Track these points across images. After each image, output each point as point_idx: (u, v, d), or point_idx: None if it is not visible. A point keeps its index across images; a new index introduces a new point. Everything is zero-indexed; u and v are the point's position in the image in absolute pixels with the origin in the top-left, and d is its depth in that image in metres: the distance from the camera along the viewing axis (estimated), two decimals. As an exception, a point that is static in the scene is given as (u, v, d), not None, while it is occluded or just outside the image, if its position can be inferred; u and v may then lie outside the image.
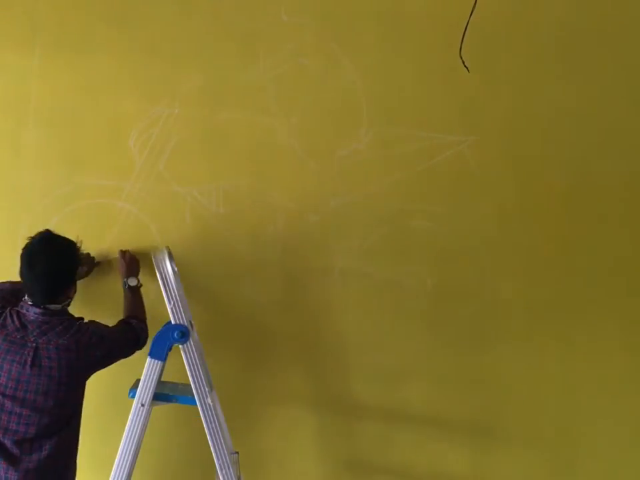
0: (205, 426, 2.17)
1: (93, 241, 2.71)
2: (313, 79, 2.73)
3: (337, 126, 2.73)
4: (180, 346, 2.17)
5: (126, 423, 2.17)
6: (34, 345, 2.12)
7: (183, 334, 2.16)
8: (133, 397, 2.19)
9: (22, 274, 2.21)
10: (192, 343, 2.18)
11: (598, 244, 2.74)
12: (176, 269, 2.23)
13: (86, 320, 2.29)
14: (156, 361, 2.17)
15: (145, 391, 2.17)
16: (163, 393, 2.25)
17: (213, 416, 2.18)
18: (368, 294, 2.74)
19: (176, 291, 2.17)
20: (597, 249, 2.74)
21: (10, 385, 2.11)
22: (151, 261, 2.36)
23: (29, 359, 2.11)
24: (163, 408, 2.26)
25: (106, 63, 2.71)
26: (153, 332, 2.18)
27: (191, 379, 2.17)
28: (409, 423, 2.74)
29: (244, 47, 2.72)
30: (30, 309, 2.18)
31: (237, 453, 2.25)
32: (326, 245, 2.74)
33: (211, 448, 2.18)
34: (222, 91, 2.73)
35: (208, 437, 2.17)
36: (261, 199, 2.73)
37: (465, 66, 2.53)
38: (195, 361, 2.18)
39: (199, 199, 2.73)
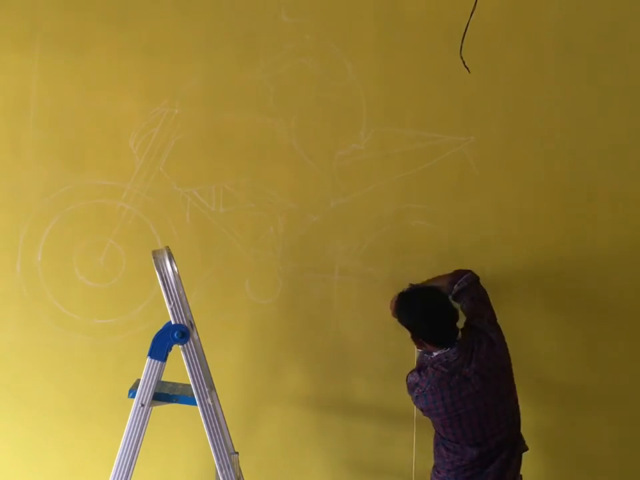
0: (204, 426, 2.17)
1: (93, 241, 2.72)
2: (313, 79, 2.73)
3: (337, 126, 2.73)
4: (180, 346, 2.17)
5: (126, 423, 2.17)
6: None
7: (183, 334, 2.16)
8: (133, 396, 2.19)
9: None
10: (192, 343, 2.17)
11: (598, 243, 2.74)
12: (176, 269, 2.22)
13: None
14: (156, 361, 2.16)
15: (144, 390, 2.17)
16: (163, 393, 2.24)
17: (213, 416, 2.18)
18: (368, 294, 2.74)
19: (176, 291, 2.16)
20: (596, 248, 2.74)
21: None
22: (151, 261, 2.36)
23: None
24: (162, 408, 2.26)
25: (106, 63, 2.71)
26: (153, 332, 2.18)
27: (190, 379, 2.17)
28: (408, 422, 2.73)
29: (244, 47, 2.72)
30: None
31: (237, 453, 2.25)
32: (326, 245, 2.74)
33: (211, 448, 2.18)
34: (222, 91, 2.73)
35: (208, 437, 2.17)
36: (261, 199, 2.73)
37: (465, 66, 2.53)
38: (195, 361, 2.18)
39: (199, 199, 2.73)
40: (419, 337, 2.31)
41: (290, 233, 2.74)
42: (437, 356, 2.30)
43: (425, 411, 2.31)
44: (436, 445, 2.41)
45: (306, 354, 2.76)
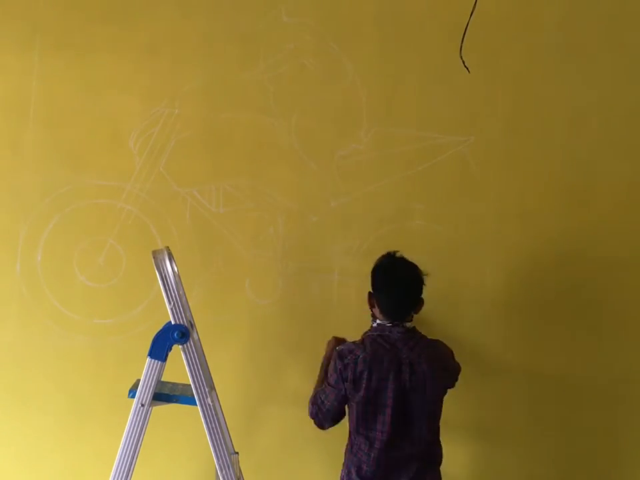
0: (204, 426, 2.17)
1: (93, 241, 2.72)
2: (313, 79, 2.73)
3: (337, 126, 2.73)
4: (180, 346, 2.16)
5: (126, 423, 2.17)
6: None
7: (183, 334, 2.16)
8: (133, 396, 2.19)
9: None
10: (192, 343, 2.17)
11: (598, 244, 2.74)
12: (176, 269, 2.22)
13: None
14: (156, 361, 2.16)
15: (144, 390, 2.16)
16: (163, 393, 2.24)
17: (213, 416, 2.18)
18: (368, 294, 2.74)
19: (176, 291, 2.16)
20: (596, 248, 2.74)
21: None
22: (151, 261, 2.36)
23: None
24: (163, 408, 2.26)
25: (106, 63, 2.71)
26: (153, 332, 2.18)
27: (190, 379, 2.17)
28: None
29: (244, 47, 2.72)
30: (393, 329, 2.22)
31: (237, 453, 2.25)
32: (326, 245, 2.74)
33: (211, 448, 2.18)
34: (222, 91, 2.73)
35: (208, 437, 2.17)
36: (261, 199, 2.73)
37: (465, 66, 2.53)
38: (195, 361, 2.17)
39: (199, 199, 2.73)
40: (375, 296, 2.25)
41: (290, 233, 2.74)
42: (378, 325, 2.23)
43: (350, 382, 2.16)
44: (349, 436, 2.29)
45: (306, 354, 2.76)
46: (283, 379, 2.77)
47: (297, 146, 2.73)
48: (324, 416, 2.24)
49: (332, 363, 2.23)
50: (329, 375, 2.25)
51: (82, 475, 2.74)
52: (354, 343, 2.24)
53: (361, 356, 2.16)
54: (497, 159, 2.74)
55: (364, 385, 2.15)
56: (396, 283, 2.24)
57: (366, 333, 2.28)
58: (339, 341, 2.40)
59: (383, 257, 2.32)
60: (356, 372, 2.16)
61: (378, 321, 2.25)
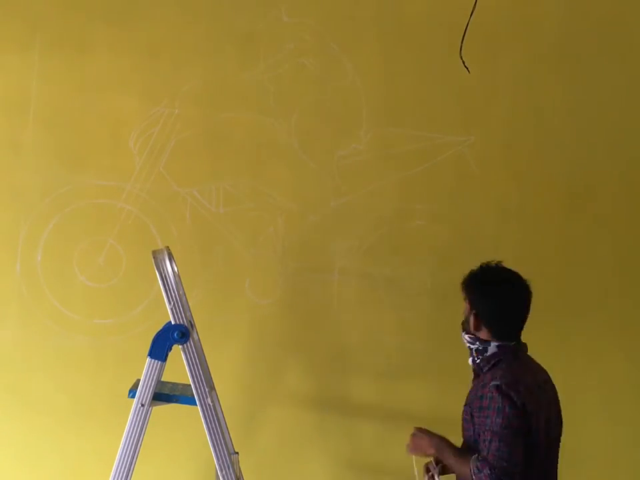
0: (204, 426, 2.17)
1: (93, 241, 2.72)
2: (313, 79, 2.73)
3: (337, 126, 2.73)
4: (180, 346, 2.16)
5: (126, 423, 2.17)
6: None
7: (183, 334, 2.16)
8: (133, 396, 2.19)
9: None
10: (192, 343, 2.17)
11: (597, 243, 2.74)
12: (176, 269, 2.22)
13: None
14: (156, 361, 2.16)
15: (144, 390, 2.16)
16: (163, 393, 2.24)
17: (213, 416, 2.18)
18: (368, 294, 2.74)
19: (176, 291, 2.16)
20: (596, 248, 2.74)
21: None
22: (151, 261, 2.37)
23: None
24: (163, 408, 2.26)
25: (106, 63, 2.71)
26: (153, 332, 2.18)
27: (190, 379, 2.17)
28: (408, 422, 2.73)
29: (244, 47, 2.73)
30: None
31: (237, 453, 2.25)
32: (326, 245, 2.74)
33: (211, 448, 2.18)
34: (222, 91, 2.73)
35: (208, 437, 2.17)
36: (261, 199, 2.73)
37: (465, 66, 2.53)
38: (195, 361, 2.17)
39: (199, 199, 2.73)
40: (485, 316, 1.88)
41: (290, 233, 2.74)
42: (504, 347, 1.86)
43: (530, 414, 1.77)
44: None
45: (306, 354, 2.76)
46: (283, 378, 2.77)
47: (297, 146, 2.73)
48: (511, 470, 1.72)
49: (500, 402, 1.76)
50: (503, 425, 1.75)
51: (82, 474, 2.74)
52: (500, 372, 1.83)
53: (524, 382, 1.82)
54: (496, 159, 2.74)
55: (535, 415, 1.80)
56: (522, 295, 1.91)
57: (486, 361, 1.89)
58: (430, 433, 2.00)
59: (488, 269, 1.92)
60: (529, 401, 1.79)
61: (496, 343, 1.88)
